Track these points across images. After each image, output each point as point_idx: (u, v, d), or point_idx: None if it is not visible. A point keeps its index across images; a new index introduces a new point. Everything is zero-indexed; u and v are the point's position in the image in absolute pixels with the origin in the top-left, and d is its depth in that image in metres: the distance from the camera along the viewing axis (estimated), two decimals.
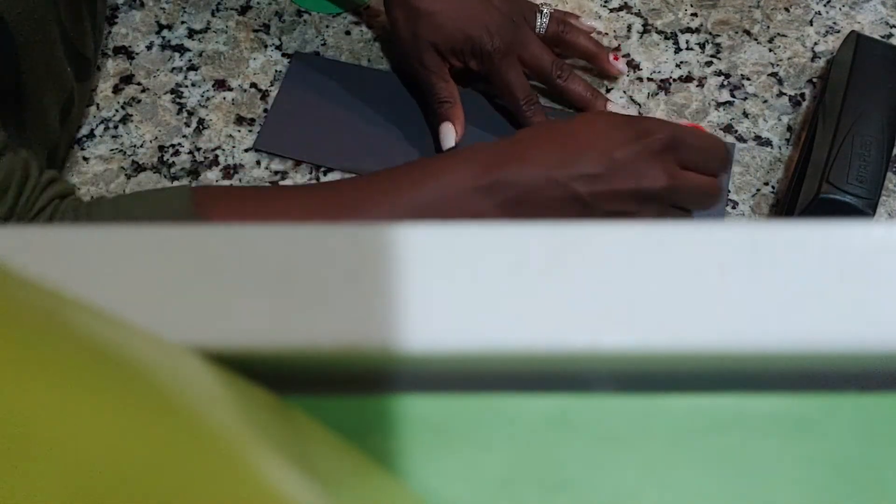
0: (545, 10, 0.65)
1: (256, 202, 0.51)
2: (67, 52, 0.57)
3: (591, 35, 0.67)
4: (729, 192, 0.63)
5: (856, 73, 0.60)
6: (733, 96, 0.67)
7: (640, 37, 0.70)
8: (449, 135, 0.62)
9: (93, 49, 0.61)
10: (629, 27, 0.71)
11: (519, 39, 0.62)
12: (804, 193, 0.58)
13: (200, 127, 0.67)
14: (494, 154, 0.51)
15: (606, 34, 0.70)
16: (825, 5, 0.71)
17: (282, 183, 0.64)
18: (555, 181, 0.49)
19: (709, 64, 0.69)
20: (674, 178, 0.50)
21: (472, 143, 0.54)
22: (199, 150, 0.66)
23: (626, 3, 0.72)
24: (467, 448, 0.23)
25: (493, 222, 0.54)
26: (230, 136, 0.66)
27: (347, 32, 0.71)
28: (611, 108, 0.64)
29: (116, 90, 0.69)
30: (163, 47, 0.70)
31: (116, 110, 0.68)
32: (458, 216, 0.50)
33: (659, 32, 0.70)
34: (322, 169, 0.65)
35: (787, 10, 0.71)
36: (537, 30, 0.65)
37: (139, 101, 0.68)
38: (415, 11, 0.61)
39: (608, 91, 0.68)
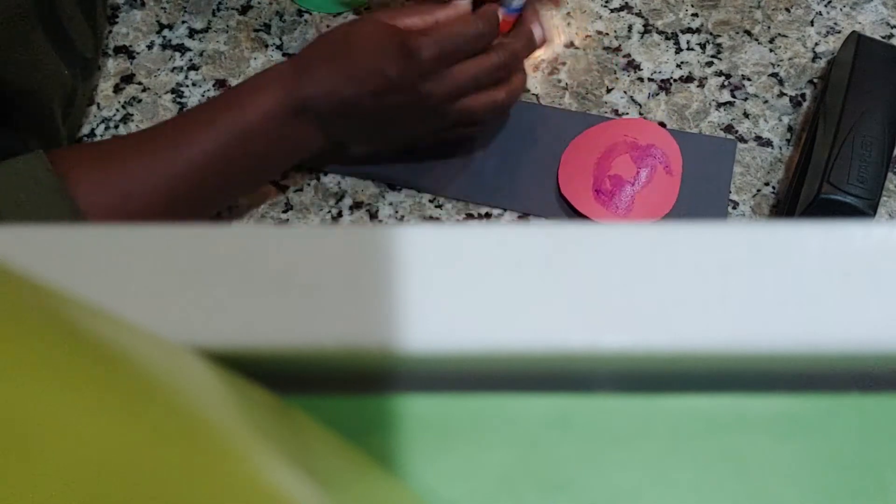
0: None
1: (110, 150, 0.54)
2: (62, 52, 0.56)
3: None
4: (730, 192, 0.63)
5: (856, 73, 0.60)
6: (734, 97, 0.67)
7: (641, 37, 0.70)
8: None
9: (93, 48, 0.61)
10: (630, 27, 0.71)
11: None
12: (805, 194, 0.58)
13: None
14: (290, 74, 0.54)
15: (607, 34, 0.70)
16: (826, 6, 0.71)
17: (282, 182, 0.64)
18: (344, 98, 0.53)
19: (709, 64, 0.69)
20: (450, 90, 0.54)
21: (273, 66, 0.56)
22: None
23: (626, 3, 0.72)
24: (467, 448, 0.23)
25: (306, 136, 0.54)
26: None
27: None
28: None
29: (117, 90, 0.69)
30: (163, 47, 0.71)
31: (117, 110, 0.68)
32: (276, 134, 0.54)
33: (660, 33, 0.70)
34: (323, 171, 0.65)
35: (787, 10, 0.71)
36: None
37: (140, 101, 0.68)
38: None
39: (609, 91, 0.68)
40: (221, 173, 0.54)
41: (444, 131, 0.58)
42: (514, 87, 0.57)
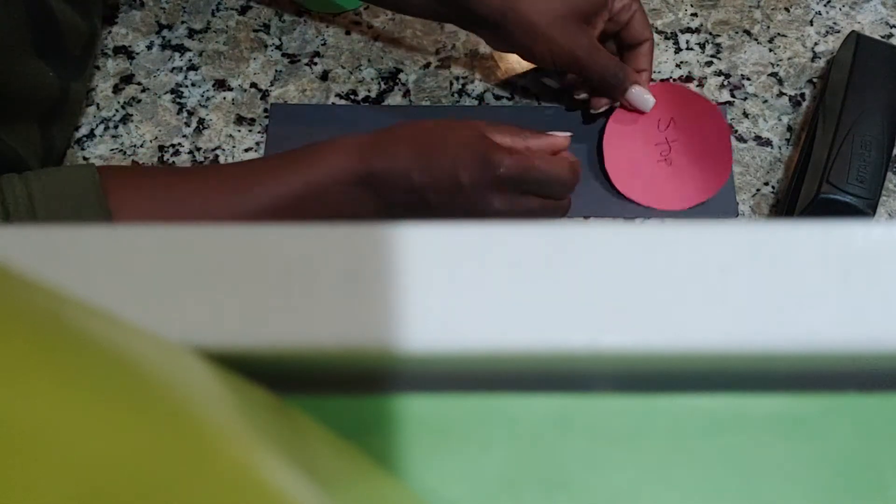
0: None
1: (154, 184, 0.54)
2: (46, 54, 0.56)
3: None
4: (736, 200, 0.63)
5: (856, 73, 0.60)
6: (733, 96, 0.67)
7: None
8: (644, 96, 0.63)
9: (83, 46, 0.61)
10: None
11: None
12: (804, 193, 0.58)
13: (200, 127, 0.67)
14: (369, 145, 0.55)
15: None
16: (825, 5, 0.71)
17: None
18: (412, 185, 0.54)
19: (709, 64, 0.69)
20: (511, 206, 0.55)
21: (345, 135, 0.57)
22: (199, 149, 0.66)
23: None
24: (467, 448, 0.23)
25: (363, 205, 0.54)
26: (230, 136, 0.66)
27: (347, 32, 0.71)
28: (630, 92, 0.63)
29: (116, 90, 0.69)
30: (163, 47, 0.70)
31: (116, 110, 0.68)
32: (335, 199, 0.54)
33: (659, 32, 0.70)
34: None
35: (787, 10, 0.71)
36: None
37: (139, 101, 0.68)
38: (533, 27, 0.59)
39: None
40: (271, 218, 0.54)
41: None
42: (568, 202, 0.59)
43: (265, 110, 0.67)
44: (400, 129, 0.56)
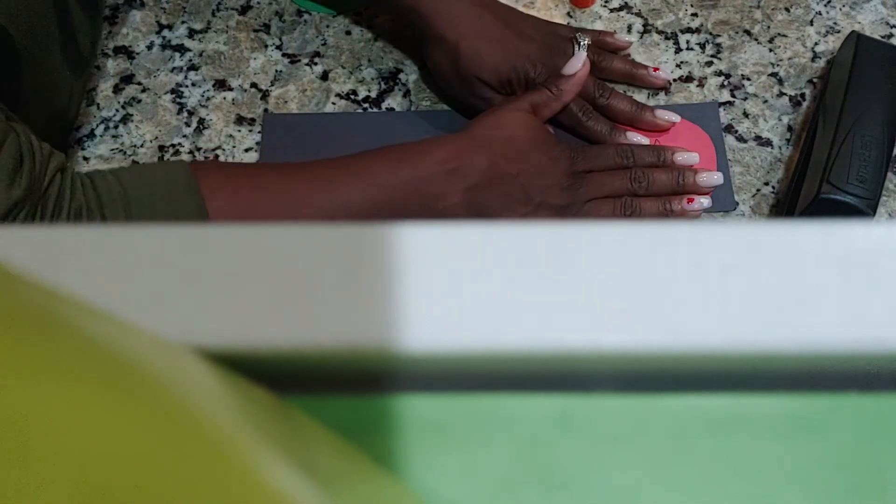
0: (582, 42, 0.66)
1: (246, 179, 0.55)
2: (66, 52, 0.56)
3: (627, 54, 0.69)
4: (733, 192, 0.63)
5: (856, 73, 0.60)
6: (733, 96, 0.67)
7: (641, 37, 0.70)
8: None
9: (89, 46, 0.61)
10: (629, 27, 0.71)
11: (559, 65, 0.64)
12: (804, 193, 0.58)
13: (201, 127, 0.67)
14: (461, 142, 0.59)
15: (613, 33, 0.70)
16: (825, 5, 0.71)
17: None
18: (505, 174, 0.58)
19: (709, 64, 0.69)
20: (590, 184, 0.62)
21: (439, 135, 0.61)
22: (199, 149, 0.66)
23: (626, 3, 0.72)
24: (467, 448, 0.23)
25: (456, 206, 0.58)
26: (230, 136, 0.66)
27: (348, 32, 0.71)
28: (658, 114, 0.66)
29: (117, 90, 0.69)
30: (163, 47, 0.70)
31: (117, 110, 0.68)
32: (427, 195, 0.57)
33: (659, 32, 0.70)
34: None
35: (787, 10, 0.71)
36: None
37: (139, 101, 0.68)
38: (454, 52, 0.63)
39: None
40: (359, 215, 0.55)
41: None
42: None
43: (265, 110, 0.67)
44: (484, 127, 0.61)
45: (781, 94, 0.67)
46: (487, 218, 0.61)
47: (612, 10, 0.72)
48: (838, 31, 0.70)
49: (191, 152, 0.65)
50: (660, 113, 0.65)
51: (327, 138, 0.66)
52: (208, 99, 0.68)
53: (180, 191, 0.50)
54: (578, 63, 0.63)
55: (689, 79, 0.68)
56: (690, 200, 0.62)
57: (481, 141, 0.59)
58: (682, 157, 0.63)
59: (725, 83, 0.68)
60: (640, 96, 0.68)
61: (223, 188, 0.52)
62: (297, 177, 0.55)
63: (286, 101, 0.68)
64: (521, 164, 0.59)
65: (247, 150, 0.66)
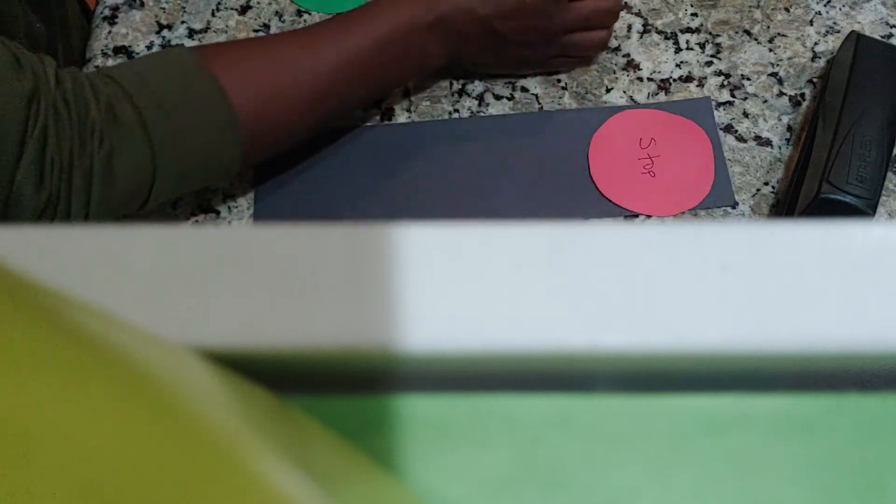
0: None
1: (252, 47, 0.59)
2: (33, 3, 0.58)
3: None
4: (733, 191, 0.63)
5: (856, 73, 0.60)
6: (733, 96, 0.67)
7: (641, 37, 0.70)
8: None
9: (65, 4, 0.63)
10: (629, 27, 0.71)
11: None
12: (804, 193, 0.58)
13: None
14: None
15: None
16: (825, 5, 0.71)
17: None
18: (479, 17, 0.61)
19: (709, 64, 0.69)
20: (567, 14, 0.64)
21: None
22: None
23: (626, 2, 0.72)
24: (467, 448, 0.23)
25: (433, 51, 0.62)
26: None
27: None
28: None
29: None
30: (163, 47, 0.70)
31: None
32: (408, 45, 0.60)
33: (659, 32, 0.70)
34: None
35: (787, 10, 0.71)
36: None
37: None
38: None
39: (608, 91, 0.68)
40: (355, 76, 0.59)
41: (547, 61, 0.68)
42: (610, 32, 0.67)
43: None
44: None
45: (781, 94, 0.67)
46: (473, 62, 0.65)
47: None
48: (838, 31, 0.70)
49: None
50: None
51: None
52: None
53: (191, 70, 0.54)
54: None
55: (688, 79, 0.68)
56: None
57: None
58: None
59: (725, 83, 0.68)
60: (640, 96, 0.68)
61: (233, 60, 0.56)
62: (285, 41, 0.59)
63: None
64: (495, 6, 0.61)
65: None
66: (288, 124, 0.58)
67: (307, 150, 0.66)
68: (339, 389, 0.23)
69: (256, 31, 0.71)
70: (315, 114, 0.59)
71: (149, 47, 0.70)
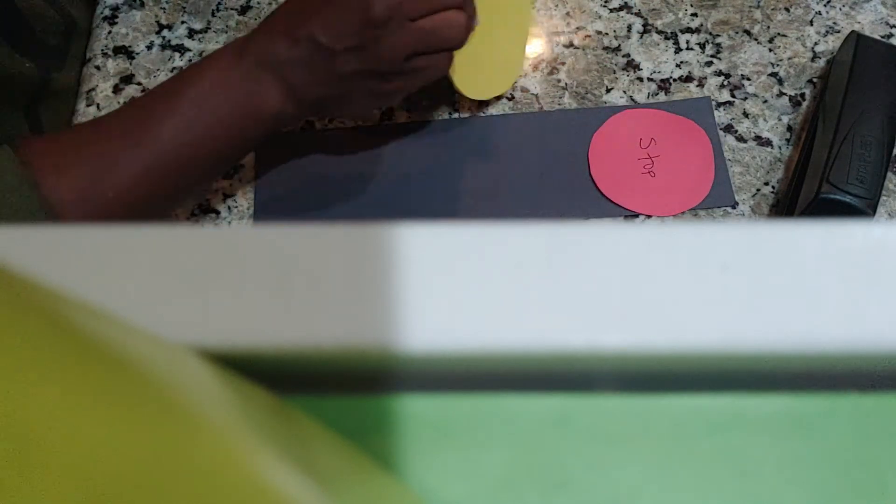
0: None
1: (75, 145, 0.52)
2: (18, 44, 0.57)
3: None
4: (733, 190, 0.63)
5: (856, 73, 0.60)
6: (733, 96, 0.67)
7: (641, 37, 0.70)
8: None
9: (60, 35, 0.61)
10: (629, 27, 0.71)
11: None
12: (804, 193, 0.58)
13: None
14: (245, 38, 0.54)
15: (607, 34, 0.70)
16: (825, 5, 0.71)
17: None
18: (320, 45, 0.52)
19: (709, 64, 0.69)
20: (409, 37, 0.53)
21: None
22: None
23: (626, 3, 0.72)
24: (467, 448, 0.23)
25: (272, 95, 0.53)
26: None
27: None
28: None
29: (116, 90, 0.69)
30: (163, 47, 0.70)
31: None
32: (239, 98, 0.53)
33: (659, 32, 0.70)
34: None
35: (787, 10, 0.71)
36: None
37: None
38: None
39: (608, 91, 0.68)
40: (192, 145, 0.52)
41: (403, 72, 0.56)
42: (471, 15, 0.56)
43: None
44: (268, 16, 0.54)
45: (781, 94, 0.67)
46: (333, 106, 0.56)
47: (612, 10, 0.72)
48: (838, 31, 0.70)
49: None
50: None
51: (321, 154, 0.66)
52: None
53: (7, 173, 0.48)
54: None
55: (688, 79, 0.68)
56: None
57: (261, 25, 0.55)
58: None
59: (725, 83, 0.68)
60: (641, 96, 0.68)
61: (53, 156, 0.50)
62: (112, 122, 0.53)
63: None
64: (333, 26, 0.52)
65: None
66: (126, 204, 0.51)
67: (307, 149, 0.66)
68: (339, 389, 0.23)
69: None
70: (155, 196, 0.53)
71: (149, 47, 0.70)
